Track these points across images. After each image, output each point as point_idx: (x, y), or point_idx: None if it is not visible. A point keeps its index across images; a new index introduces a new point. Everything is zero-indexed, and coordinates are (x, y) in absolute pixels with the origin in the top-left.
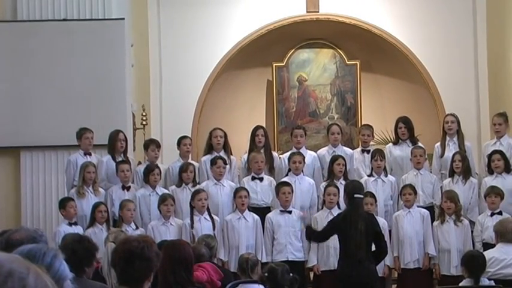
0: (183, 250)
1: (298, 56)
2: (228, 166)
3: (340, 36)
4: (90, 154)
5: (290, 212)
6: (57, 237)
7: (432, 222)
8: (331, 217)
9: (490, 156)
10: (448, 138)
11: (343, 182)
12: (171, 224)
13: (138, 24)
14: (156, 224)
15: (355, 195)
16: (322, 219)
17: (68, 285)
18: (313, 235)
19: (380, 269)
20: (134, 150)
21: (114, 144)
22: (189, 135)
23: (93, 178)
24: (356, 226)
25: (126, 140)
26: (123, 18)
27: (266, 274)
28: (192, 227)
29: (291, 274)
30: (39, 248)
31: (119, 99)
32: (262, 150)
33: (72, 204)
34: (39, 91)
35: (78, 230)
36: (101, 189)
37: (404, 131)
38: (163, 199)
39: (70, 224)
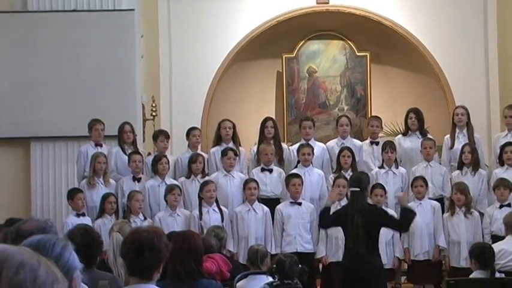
0: (193, 241)
1: (308, 47)
2: (237, 157)
3: (350, 27)
4: (101, 145)
5: (300, 204)
6: (65, 228)
7: (442, 214)
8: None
9: (502, 147)
10: (457, 130)
11: (351, 174)
12: (178, 215)
13: (148, 15)
14: (163, 215)
15: (351, 189)
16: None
17: (77, 275)
18: (322, 218)
19: (390, 260)
20: (144, 141)
21: (121, 136)
22: (199, 127)
23: (104, 169)
24: (352, 220)
25: (133, 131)
26: (133, 9)
27: (274, 266)
28: (200, 218)
29: (300, 265)
30: (49, 239)
31: (129, 90)
32: (271, 142)
33: (80, 196)
34: (49, 82)
35: (86, 221)
36: (111, 180)
37: (415, 121)
38: (170, 189)
39: (78, 215)
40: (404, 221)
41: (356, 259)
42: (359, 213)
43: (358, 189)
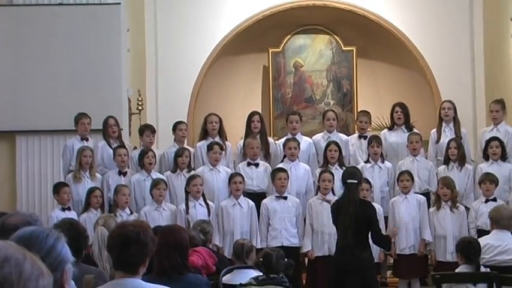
0: (179, 235)
1: (294, 41)
2: (223, 152)
3: (336, 22)
4: (87, 139)
5: (285, 198)
6: (50, 222)
7: (428, 208)
8: (325, 203)
9: (488, 142)
10: (444, 124)
11: (338, 168)
12: (163, 209)
13: (134, 9)
14: (148, 210)
15: (348, 181)
16: (316, 205)
17: (69, 268)
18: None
19: (375, 254)
20: (130, 135)
21: (106, 130)
22: (185, 121)
23: (90, 162)
24: (346, 211)
25: (117, 125)
26: (119, 3)
27: (261, 259)
28: (187, 212)
29: (286, 259)
30: (42, 230)
31: (115, 84)
32: (258, 136)
33: (65, 190)
34: (35, 75)
35: (71, 215)
36: (97, 174)
37: (401, 115)
38: (155, 183)
39: (63, 209)
40: (382, 240)
41: (346, 251)
42: (353, 205)
43: (355, 181)
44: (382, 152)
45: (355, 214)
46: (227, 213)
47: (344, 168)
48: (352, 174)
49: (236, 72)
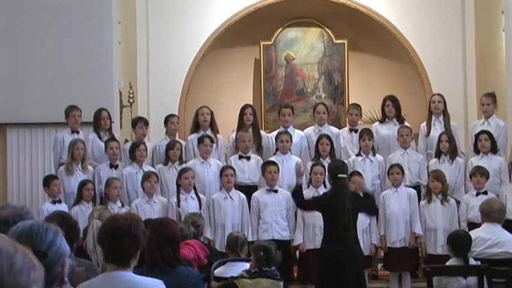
0: (170, 228)
1: (285, 34)
2: (214, 144)
3: (328, 14)
4: (77, 132)
5: (276, 191)
6: (40, 215)
7: (418, 202)
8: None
9: (477, 135)
10: (434, 117)
11: (330, 161)
12: (154, 202)
13: (125, 1)
14: (140, 202)
15: (339, 175)
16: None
17: (68, 261)
18: (297, 197)
19: (366, 247)
20: (121, 128)
21: (98, 122)
22: (176, 113)
23: (82, 155)
24: (343, 207)
25: (110, 117)
26: None
27: (262, 253)
28: (178, 205)
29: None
30: (41, 224)
31: (106, 77)
32: (250, 129)
33: (56, 183)
34: (26, 68)
35: (62, 208)
36: (89, 167)
37: (392, 109)
38: (147, 176)
39: (54, 202)
40: (372, 205)
41: (343, 245)
42: (348, 200)
43: (345, 175)
44: (374, 145)
45: (351, 209)
46: (218, 206)
47: None
48: (341, 168)
49: (228, 65)
